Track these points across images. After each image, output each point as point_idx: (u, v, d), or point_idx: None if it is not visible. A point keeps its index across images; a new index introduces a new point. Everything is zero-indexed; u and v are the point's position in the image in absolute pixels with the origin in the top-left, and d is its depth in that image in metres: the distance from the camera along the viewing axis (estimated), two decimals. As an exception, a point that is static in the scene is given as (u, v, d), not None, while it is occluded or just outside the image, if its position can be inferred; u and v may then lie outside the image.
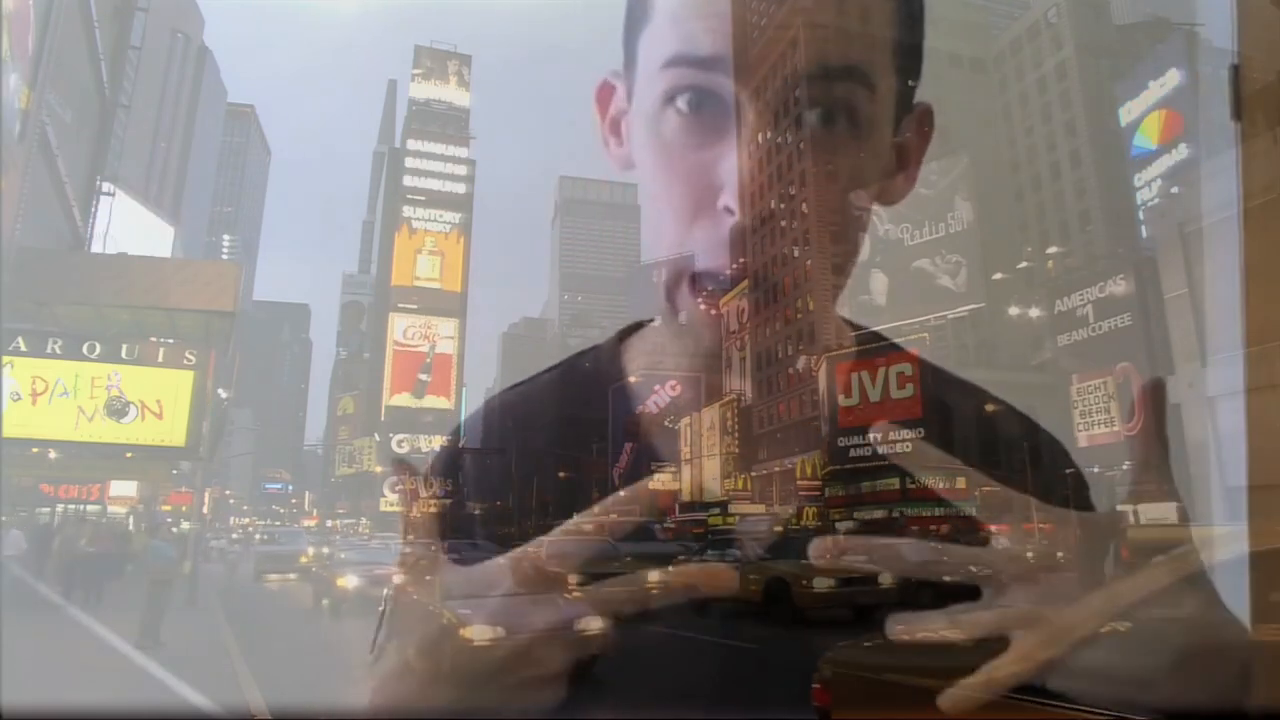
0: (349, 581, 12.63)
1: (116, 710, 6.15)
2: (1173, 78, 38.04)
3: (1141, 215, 38.97)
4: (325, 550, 19.99)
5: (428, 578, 0.96)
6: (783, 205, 26.35)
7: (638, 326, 1.46)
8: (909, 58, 1.23)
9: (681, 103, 1.22)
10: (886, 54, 1.19)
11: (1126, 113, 40.85)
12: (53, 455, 19.46)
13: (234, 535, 41.68)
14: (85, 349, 18.05)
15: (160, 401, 18.31)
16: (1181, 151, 36.91)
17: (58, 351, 17.80)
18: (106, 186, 26.02)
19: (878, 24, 1.13)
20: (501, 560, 0.86)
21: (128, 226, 31.48)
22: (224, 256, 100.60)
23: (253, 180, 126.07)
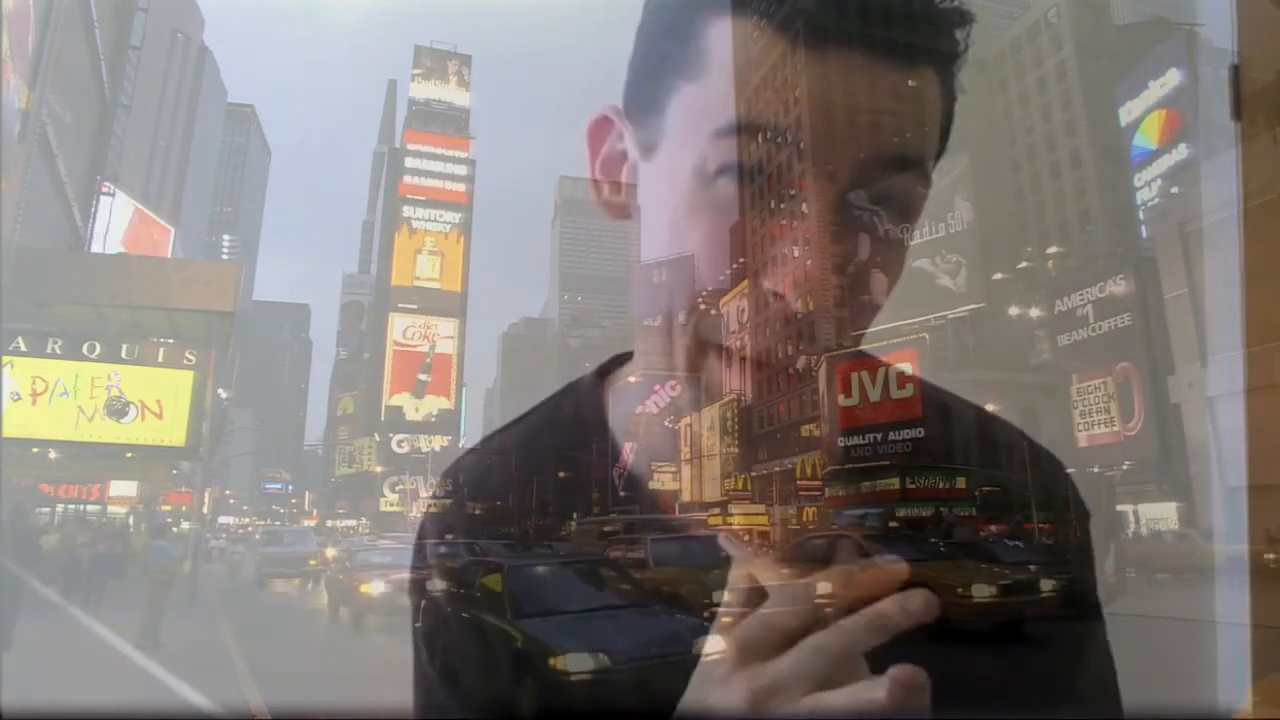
0: (375, 588, 11.09)
1: (116, 710, 6.14)
2: (1173, 78, 38.03)
3: (1141, 215, 38.97)
4: (332, 552, 18.67)
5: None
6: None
7: (620, 360, 1.32)
8: (943, 145, 1.13)
9: (733, 174, 1.07)
10: (937, 145, 1.09)
11: (1126, 113, 40.85)
12: (53, 455, 19.46)
13: (214, 539, 33.67)
14: (85, 349, 18.05)
15: (160, 401, 18.31)
16: (1181, 151, 36.91)
17: (58, 351, 17.80)
18: (106, 186, 26.02)
19: (941, 115, 1.05)
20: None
21: (128, 226, 31.48)
22: (224, 256, 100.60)
23: (253, 180, 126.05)
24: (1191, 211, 21.47)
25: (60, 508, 22.35)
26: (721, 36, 1.07)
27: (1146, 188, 39.27)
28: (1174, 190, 31.36)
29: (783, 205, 1.16)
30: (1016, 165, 48.87)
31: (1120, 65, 43.45)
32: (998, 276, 40.36)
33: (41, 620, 10.80)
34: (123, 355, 18.39)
